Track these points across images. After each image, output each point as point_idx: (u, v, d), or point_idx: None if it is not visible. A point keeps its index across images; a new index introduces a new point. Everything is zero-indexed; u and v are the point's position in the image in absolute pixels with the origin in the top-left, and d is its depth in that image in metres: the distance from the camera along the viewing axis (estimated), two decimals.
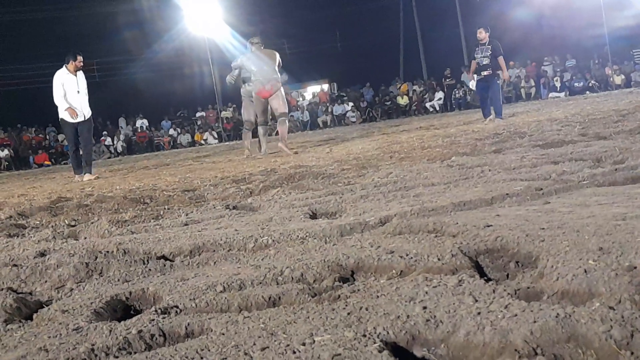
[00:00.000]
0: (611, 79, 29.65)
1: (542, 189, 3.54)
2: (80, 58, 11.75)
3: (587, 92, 28.53)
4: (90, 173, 11.19)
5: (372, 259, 2.42)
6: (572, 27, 31.01)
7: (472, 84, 14.74)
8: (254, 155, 11.97)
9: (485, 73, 14.02)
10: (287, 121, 12.58)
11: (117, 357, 1.75)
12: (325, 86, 40.62)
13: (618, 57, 30.56)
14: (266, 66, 12.03)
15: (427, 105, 33.99)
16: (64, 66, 11.73)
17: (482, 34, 14.21)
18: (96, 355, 1.75)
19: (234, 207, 4.55)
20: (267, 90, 12.00)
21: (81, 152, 11.39)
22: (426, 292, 1.91)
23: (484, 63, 14.05)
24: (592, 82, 29.92)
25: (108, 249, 3.19)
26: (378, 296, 1.96)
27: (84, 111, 11.48)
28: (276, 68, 12.05)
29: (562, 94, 29.44)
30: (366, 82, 37.13)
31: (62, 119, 11.42)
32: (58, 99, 11.30)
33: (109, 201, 5.71)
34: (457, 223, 2.76)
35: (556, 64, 32.52)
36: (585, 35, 30.36)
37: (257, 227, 3.45)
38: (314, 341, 1.63)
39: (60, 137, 34.06)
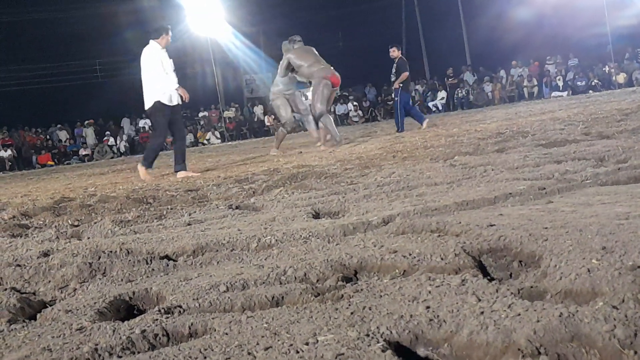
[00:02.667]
0: (614, 78, 29.62)
1: (545, 188, 3.53)
2: (171, 33, 9.93)
3: (590, 91, 28.50)
4: (186, 170, 9.29)
5: (375, 258, 2.42)
6: (574, 26, 30.99)
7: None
8: (299, 151, 11.49)
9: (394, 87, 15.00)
10: (327, 116, 12.21)
11: (120, 357, 1.75)
12: None
13: (620, 56, 30.53)
14: (317, 56, 11.85)
15: (430, 104, 33.98)
16: (152, 41, 9.66)
17: (395, 52, 15.23)
18: (100, 355, 1.75)
19: (237, 207, 4.55)
20: (337, 77, 11.70)
21: (173, 145, 9.95)
22: (429, 292, 1.91)
23: (392, 80, 15.08)
24: (595, 81, 29.89)
25: (111, 249, 3.19)
26: (381, 296, 1.96)
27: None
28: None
29: (564, 93, 29.43)
30: (368, 81, 37.13)
31: (158, 103, 9.34)
32: (158, 77, 9.33)
33: (112, 201, 5.71)
34: (460, 222, 2.76)
35: (559, 63, 32.49)
36: (588, 34, 30.35)
37: (260, 227, 3.45)
38: (317, 341, 1.63)
39: (63, 136, 34.13)
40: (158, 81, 9.31)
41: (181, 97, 9.42)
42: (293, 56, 12.08)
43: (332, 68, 11.81)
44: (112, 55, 37.18)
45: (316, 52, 12.15)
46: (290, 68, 12.25)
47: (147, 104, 9.49)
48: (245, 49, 36.34)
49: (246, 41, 35.78)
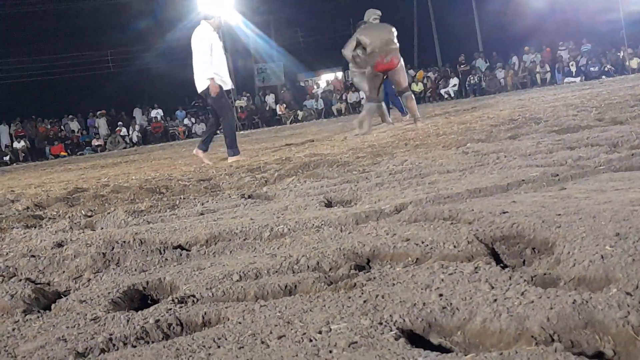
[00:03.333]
0: (627, 63, 29.43)
1: (558, 174, 3.52)
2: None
3: (603, 76, 28.32)
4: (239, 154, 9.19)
5: (388, 246, 2.42)
6: (587, 12, 30.79)
7: None
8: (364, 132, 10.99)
9: None
10: (412, 94, 11.79)
11: (134, 346, 1.76)
12: (340, 74, 40.59)
13: (634, 41, 30.31)
14: (383, 36, 11.17)
15: (442, 91, 33.88)
16: (203, 22, 9.40)
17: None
18: (114, 345, 1.76)
19: (250, 196, 4.56)
20: (385, 63, 11.13)
21: (206, 129, 9.91)
22: (442, 280, 1.91)
23: None
24: (608, 66, 29.70)
25: (125, 239, 3.20)
26: (394, 284, 1.96)
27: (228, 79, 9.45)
28: (395, 39, 11.08)
29: (577, 79, 29.26)
30: None
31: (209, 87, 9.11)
32: (205, 63, 9.13)
33: (125, 191, 5.73)
34: (473, 210, 2.76)
35: (571, 48, 32.30)
36: (601, 19, 30.14)
37: (273, 216, 3.45)
38: (331, 329, 1.63)
39: (75, 127, 34.24)
40: (201, 67, 9.14)
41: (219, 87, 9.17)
42: (360, 35, 11.51)
43: (387, 49, 11.18)
44: (123, 46, 37.23)
45: (382, 28, 11.42)
46: (361, 47, 11.58)
47: (201, 87, 9.31)
48: (256, 38, 36.36)
49: (257, 30, 35.79)
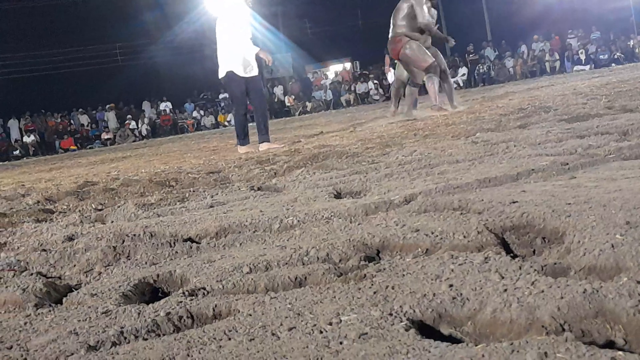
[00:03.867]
0: (637, 51, 29.27)
1: (568, 163, 3.51)
2: None
3: (613, 64, 28.20)
4: (269, 141, 8.84)
5: (398, 237, 2.41)
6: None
7: (391, 76, 13.85)
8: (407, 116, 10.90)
9: None
10: (427, 80, 11.21)
11: (146, 339, 1.76)
12: (348, 65, 40.53)
13: None
14: (392, 19, 10.88)
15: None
16: None
17: None
18: (125, 338, 1.77)
19: (259, 188, 4.56)
20: (392, 49, 11.04)
21: (254, 117, 9.33)
22: (452, 270, 1.91)
23: None
24: (618, 54, 29.56)
25: (135, 233, 3.21)
26: (404, 275, 1.96)
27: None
28: (396, 21, 10.61)
29: (587, 67, 29.14)
30: None
31: (231, 73, 8.73)
32: (242, 41, 8.57)
33: (134, 185, 5.74)
34: (483, 200, 2.75)
35: (580, 36, 32.16)
36: (610, 7, 29.99)
37: (282, 208, 3.46)
38: (341, 321, 1.64)
39: (85, 120, 34.32)
40: (239, 45, 8.59)
41: (263, 62, 8.85)
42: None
43: (390, 39, 11.02)
44: (132, 39, 37.27)
45: (397, 13, 11.07)
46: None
47: (221, 73, 8.92)
48: (264, 30, 36.30)
49: (264, 22, 35.72)
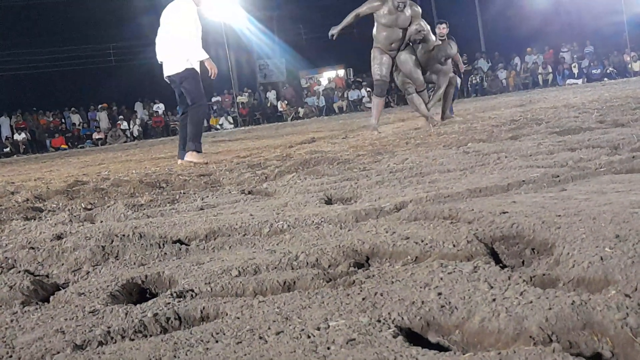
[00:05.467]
0: (629, 66, 29.42)
1: (558, 175, 3.52)
2: None
3: (605, 79, 28.32)
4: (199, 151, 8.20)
5: (387, 244, 2.42)
6: (590, 14, 30.79)
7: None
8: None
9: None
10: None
11: (132, 339, 1.76)
12: (341, 71, 40.52)
13: (637, 44, 30.32)
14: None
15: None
16: None
17: (445, 29, 12.54)
18: (112, 338, 1.76)
19: (250, 192, 4.56)
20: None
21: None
22: (441, 279, 1.91)
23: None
24: (610, 69, 29.70)
25: (124, 233, 3.20)
26: (393, 282, 1.96)
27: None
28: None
29: (579, 81, 29.27)
30: None
31: (192, 70, 8.17)
32: (192, 41, 8.05)
33: (125, 185, 5.73)
34: (473, 209, 2.76)
35: (574, 50, 32.31)
36: (604, 22, 30.14)
37: (273, 212, 3.45)
38: (329, 326, 1.63)
39: (76, 120, 34.24)
40: (186, 45, 8.06)
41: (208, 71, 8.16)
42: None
43: None
44: (126, 40, 37.18)
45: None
46: None
47: (176, 68, 8.22)
48: (259, 34, 36.32)
49: (260, 26, 35.75)
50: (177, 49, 8.16)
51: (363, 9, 10.68)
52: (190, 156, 8.00)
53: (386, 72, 10.65)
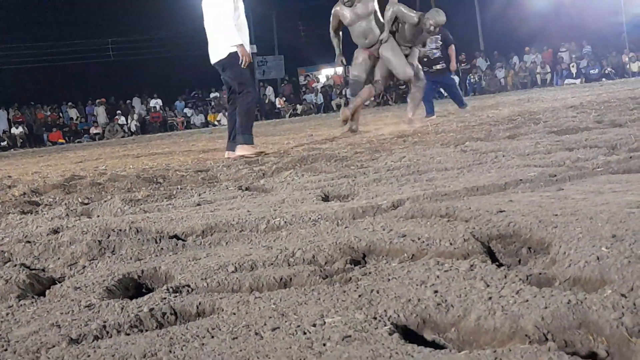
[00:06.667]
0: (628, 66, 29.45)
1: (556, 175, 3.52)
2: None
3: (603, 79, 28.36)
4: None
5: (384, 242, 2.41)
6: (589, 14, 30.82)
7: None
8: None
9: (437, 67, 12.91)
10: (413, 90, 10.55)
11: (128, 334, 1.76)
12: (340, 69, 40.49)
13: (635, 45, 30.36)
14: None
15: (442, 89, 33.83)
16: None
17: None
18: (108, 332, 1.76)
19: (247, 188, 4.55)
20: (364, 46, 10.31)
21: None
22: (437, 276, 1.91)
23: (436, 55, 12.86)
24: (609, 69, 29.73)
25: (121, 228, 3.20)
26: (389, 279, 1.96)
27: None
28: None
29: (577, 81, 29.32)
30: None
31: (235, 54, 7.74)
32: (230, 27, 7.66)
33: (122, 180, 5.73)
34: (470, 208, 2.76)
35: (572, 50, 32.33)
36: (603, 22, 30.18)
37: (270, 209, 3.45)
38: (325, 322, 1.63)
39: (74, 114, 34.20)
40: (225, 29, 7.70)
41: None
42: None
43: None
44: (125, 35, 37.18)
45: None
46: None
47: (219, 55, 7.87)
48: (258, 30, 36.27)
49: (259, 22, 35.69)
50: (218, 34, 7.84)
51: (332, 23, 10.50)
52: (241, 150, 7.61)
53: (359, 72, 10.49)
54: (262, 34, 36.87)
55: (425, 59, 12.53)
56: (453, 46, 12.97)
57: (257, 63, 39.76)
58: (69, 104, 35.00)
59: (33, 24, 35.37)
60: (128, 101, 35.82)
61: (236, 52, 7.68)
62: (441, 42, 12.72)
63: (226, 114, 9.81)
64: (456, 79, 33.87)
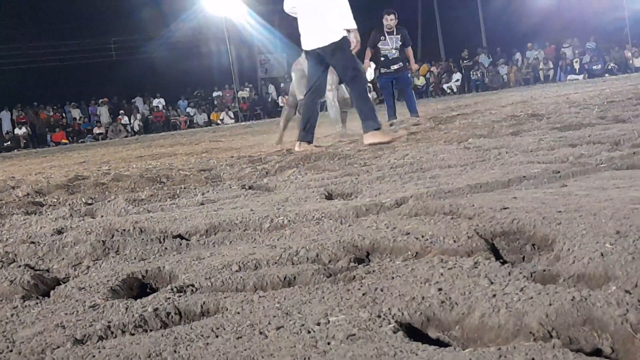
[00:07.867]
0: (630, 62, 29.40)
1: (559, 171, 3.52)
2: None
3: (606, 74, 28.32)
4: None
5: (388, 240, 2.41)
6: (592, 10, 30.78)
7: (370, 74, 11.91)
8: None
9: (395, 67, 12.34)
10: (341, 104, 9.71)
11: (133, 334, 1.76)
12: None
13: (638, 40, 30.31)
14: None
15: (445, 86, 33.85)
16: None
17: (392, 21, 12.11)
18: (112, 333, 1.76)
19: (250, 187, 4.55)
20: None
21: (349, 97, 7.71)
22: (441, 274, 1.91)
23: (395, 56, 12.28)
24: (611, 64, 29.69)
25: (124, 228, 3.20)
26: (393, 277, 1.96)
27: None
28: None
29: (580, 77, 29.28)
30: None
31: (346, 38, 7.26)
32: (348, 7, 7.19)
33: (125, 180, 5.73)
34: (474, 205, 2.75)
35: (575, 46, 32.29)
36: (606, 17, 30.14)
37: (273, 207, 3.45)
38: (329, 321, 1.63)
39: (77, 114, 34.22)
40: (342, 11, 7.14)
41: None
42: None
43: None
44: (127, 34, 37.19)
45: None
46: None
47: (331, 38, 7.27)
48: (260, 28, 36.26)
49: (261, 20, 35.68)
50: (329, 17, 7.24)
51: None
52: (373, 137, 6.97)
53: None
54: (265, 32, 36.82)
55: (382, 59, 12.26)
56: (410, 48, 12.52)
57: (259, 61, 39.80)
58: (72, 104, 35.03)
59: (34, 24, 35.39)
60: (132, 100, 35.87)
61: (345, 37, 7.20)
62: (400, 43, 12.32)
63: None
64: (459, 75, 33.99)
